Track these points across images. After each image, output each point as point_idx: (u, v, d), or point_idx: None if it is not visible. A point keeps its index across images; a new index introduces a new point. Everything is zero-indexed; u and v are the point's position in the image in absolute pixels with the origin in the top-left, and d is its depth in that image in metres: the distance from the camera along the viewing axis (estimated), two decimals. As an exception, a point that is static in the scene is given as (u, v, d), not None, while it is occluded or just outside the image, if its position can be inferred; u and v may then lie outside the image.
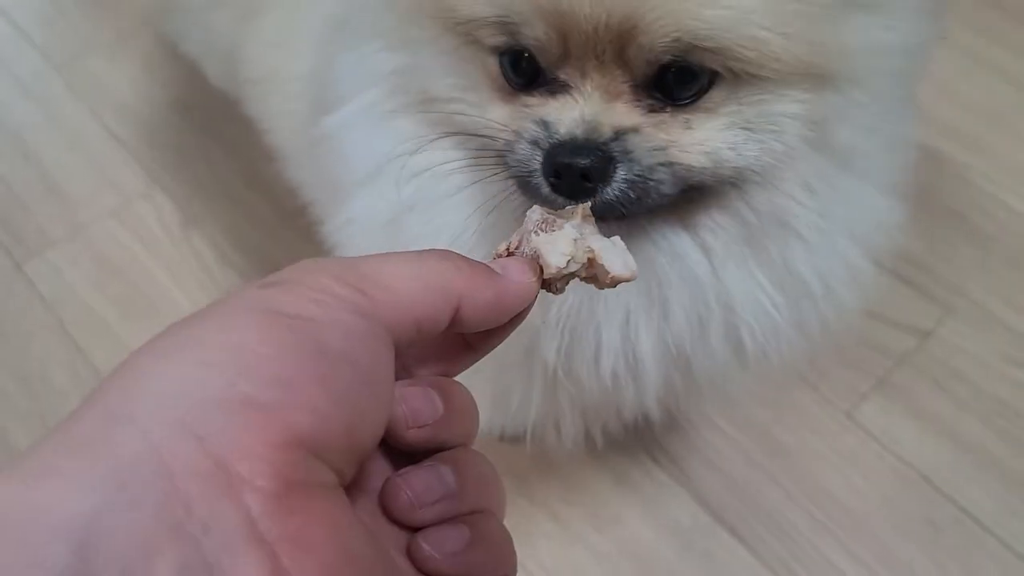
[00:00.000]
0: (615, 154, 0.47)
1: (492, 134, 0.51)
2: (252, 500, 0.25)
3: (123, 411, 0.26)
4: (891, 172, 0.59)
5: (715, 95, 0.48)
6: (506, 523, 0.35)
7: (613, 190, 0.48)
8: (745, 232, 0.54)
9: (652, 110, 0.49)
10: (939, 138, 1.16)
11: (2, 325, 1.07)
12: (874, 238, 0.59)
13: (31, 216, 1.15)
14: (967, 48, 1.24)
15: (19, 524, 0.23)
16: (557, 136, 0.48)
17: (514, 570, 0.35)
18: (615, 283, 0.45)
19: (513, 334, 0.37)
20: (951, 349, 1.00)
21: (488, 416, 0.67)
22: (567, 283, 0.43)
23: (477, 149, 0.53)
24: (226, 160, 1.19)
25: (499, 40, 0.50)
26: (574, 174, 0.47)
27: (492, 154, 0.52)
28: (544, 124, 0.49)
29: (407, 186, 0.56)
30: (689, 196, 0.52)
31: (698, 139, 0.49)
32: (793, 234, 0.55)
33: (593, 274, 0.44)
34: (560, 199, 0.48)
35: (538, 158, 0.48)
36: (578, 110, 0.48)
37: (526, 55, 0.50)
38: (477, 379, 0.37)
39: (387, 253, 0.34)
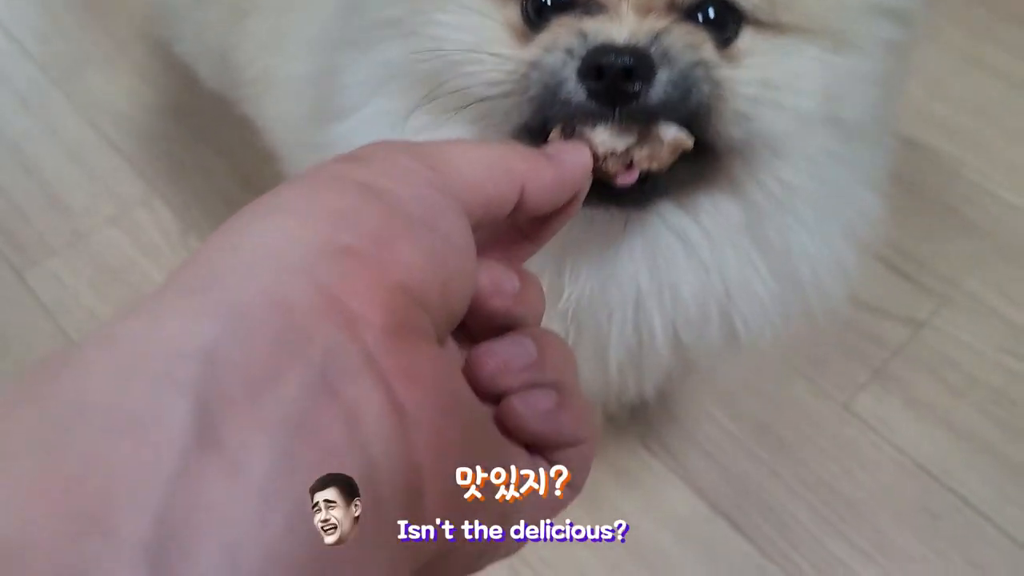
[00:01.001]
0: (655, 57, 0.47)
1: (507, 73, 0.50)
2: (367, 334, 0.26)
3: (229, 262, 0.26)
4: (880, 165, 0.60)
5: (740, 44, 0.50)
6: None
7: (657, 91, 0.46)
8: (746, 217, 0.55)
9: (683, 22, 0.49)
10: (932, 134, 1.17)
11: (4, 334, 1.07)
12: (860, 229, 0.59)
13: (31, 226, 1.16)
14: (958, 46, 1.25)
15: (150, 345, 0.23)
16: (596, 42, 0.47)
17: (598, 436, 0.36)
18: (674, 150, 0.46)
19: None
20: (946, 339, 1.01)
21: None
22: (622, 162, 0.45)
23: (488, 109, 0.51)
24: (223, 167, 1.19)
25: None
26: (616, 73, 0.45)
27: (504, 99, 0.50)
28: (582, 34, 0.47)
29: None
30: (698, 169, 0.52)
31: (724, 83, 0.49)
32: (794, 216, 0.55)
33: (650, 145, 0.46)
34: (595, 106, 0.46)
35: (572, 65, 0.47)
36: (617, 22, 0.48)
37: None
38: None
39: (452, 140, 0.35)
